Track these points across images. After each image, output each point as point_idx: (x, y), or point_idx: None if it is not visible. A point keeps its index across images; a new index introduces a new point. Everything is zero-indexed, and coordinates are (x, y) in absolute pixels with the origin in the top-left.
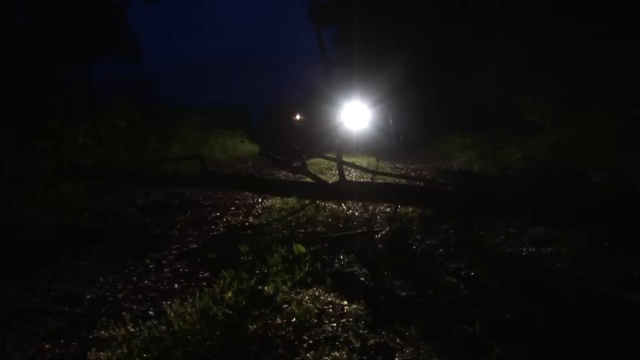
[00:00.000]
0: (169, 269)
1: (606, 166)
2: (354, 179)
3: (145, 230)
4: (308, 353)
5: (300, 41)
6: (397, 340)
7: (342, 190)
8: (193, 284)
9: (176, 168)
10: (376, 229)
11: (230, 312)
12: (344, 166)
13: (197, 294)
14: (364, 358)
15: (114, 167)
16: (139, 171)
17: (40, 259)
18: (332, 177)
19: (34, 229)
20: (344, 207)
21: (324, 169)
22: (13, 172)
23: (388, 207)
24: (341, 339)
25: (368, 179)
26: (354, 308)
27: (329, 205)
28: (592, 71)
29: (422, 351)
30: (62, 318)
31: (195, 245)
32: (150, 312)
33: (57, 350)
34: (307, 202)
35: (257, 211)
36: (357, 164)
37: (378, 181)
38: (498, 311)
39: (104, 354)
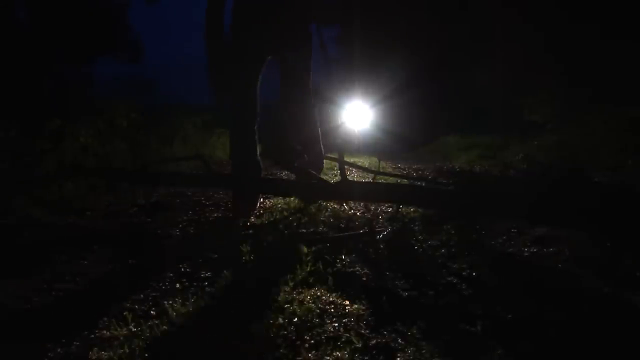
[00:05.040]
0: (170, 269)
1: (608, 166)
2: (355, 179)
3: (147, 230)
4: (310, 353)
5: None
6: (399, 340)
7: (344, 190)
8: (195, 283)
9: (177, 167)
10: (378, 229)
11: (232, 311)
12: (345, 166)
13: (199, 293)
14: (366, 358)
15: (115, 166)
16: (141, 171)
17: (41, 259)
18: (333, 177)
19: (35, 229)
20: (345, 207)
21: (326, 169)
22: (14, 171)
23: (390, 207)
24: (343, 339)
25: (370, 179)
26: (356, 308)
27: (331, 205)
28: (594, 71)
29: (423, 351)
30: (64, 318)
31: (196, 245)
32: (152, 312)
33: (58, 350)
34: None
35: (259, 211)
36: (359, 164)
37: (380, 181)
38: (500, 311)
39: (105, 354)
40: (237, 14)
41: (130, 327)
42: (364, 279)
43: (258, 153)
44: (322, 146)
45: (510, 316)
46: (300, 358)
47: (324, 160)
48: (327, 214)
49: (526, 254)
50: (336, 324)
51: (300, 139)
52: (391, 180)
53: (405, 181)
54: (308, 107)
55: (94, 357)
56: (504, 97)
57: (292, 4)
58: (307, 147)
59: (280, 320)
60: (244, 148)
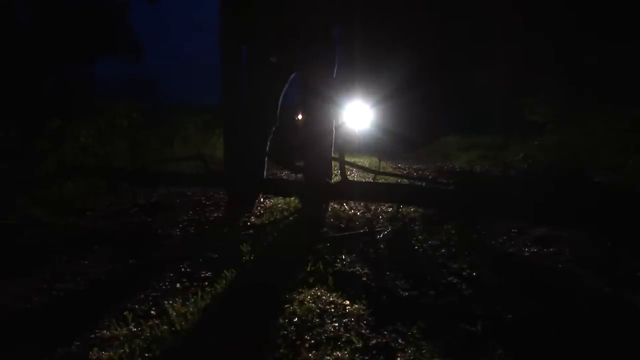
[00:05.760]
0: (170, 269)
1: (609, 166)
2: (356, 179)
3: (147, 230)
4: (310, 353)
5: None
6: (399, 340)
7: (344, 189)
8: (195, 283)
9: (178, 168)
10: (378, 229)
11: (232, 311)
12: (346, 166)
13: (199, 293)
14: (366, 358)
15: (115, 166)
16: (141, 171)
17: (41, 259)
18: (334, 177)
19: (35, 229)
20: (346, 207)
21: None
22: (14, 171)
23: (390, 207)
24: (343, 339)
25: (370, 179)
26: (356, 308)
27: (331, 205)
28: (594, 71)
29: (424, 351)
30: (64, 318)
31: (197, 245)
32: (152, 312)
33: (58, 350)
34: None
35: (259, 211)
36: (359, 164)
37: (380, 181)
38: (500, 311)
39: (105, 354)
40: (263, 30)
41: (131, 327)
42: (364, 279)
43: (265, 160)
44: (331, 152)
45: (510, 316)
46: (300, 358)
47: None
48: (327, 214)
49: (526, 254)
50: (336, 324)
51: (311, 143)
52: (392, 180)
53: (405, 181)
54: (326, 117)
55: (94, 357)
56: (504, 97)
57: (317, 22)
58: (314, 150)
59: (280, 320)
60: (250, 150)
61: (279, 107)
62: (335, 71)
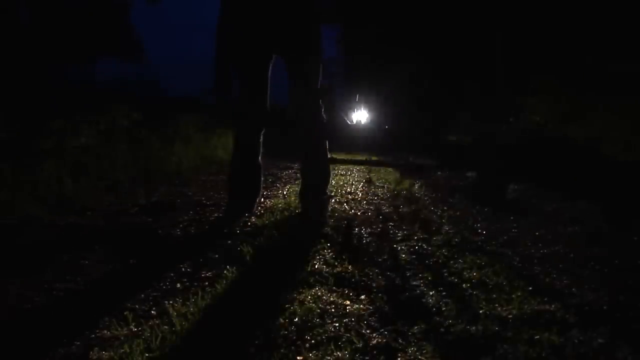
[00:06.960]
0: (170, 269)
1: (609, 166)
2: (355, 177)
3: (148, 230)
4: (310, 353)
5: None
6: (400, 340)
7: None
8: (195, 283)
9: (179, 165)
10: (378, 230)
11: (232, 311)
12: (344, 163)
13: (200, 293)
14: (367, 358)
15: (116, 166)
16: None
17: (41, 259)
18: (334, 176)
19: (35, 229)
20: (346, 207)
21: None
22: (15, 171)
23: (390, 207)
24: (343, 339)
25: (368, 177)
26: (356, 308)
27: (331, 206)
28: (594, 70)
29: (424, 351)
30: (64, 318)
31: (197, 245)
32: (152, 312)
33: (58, 350)
34: None
35: (259, 211)
36: (358, 159)
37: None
38: (500, 311)
39: (106, 354)
40: (238, 9)
41: (131, 327)
42: (364, 279)
43: (260, 157)
44: (327, 151)
45: (510, 316)
46: (300, 358)
47: None
48: (327, 213)
49: (526, 253)
50: (337, 324)
51: (303, 140)
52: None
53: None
54: (314, 109)
55: (94, 357)
56: (504, 96)
57: (294, 2)
58: (310, 149)
59: (281, 320)
60: (245, 152)
61: (268, 97)
62: (319, 62)
